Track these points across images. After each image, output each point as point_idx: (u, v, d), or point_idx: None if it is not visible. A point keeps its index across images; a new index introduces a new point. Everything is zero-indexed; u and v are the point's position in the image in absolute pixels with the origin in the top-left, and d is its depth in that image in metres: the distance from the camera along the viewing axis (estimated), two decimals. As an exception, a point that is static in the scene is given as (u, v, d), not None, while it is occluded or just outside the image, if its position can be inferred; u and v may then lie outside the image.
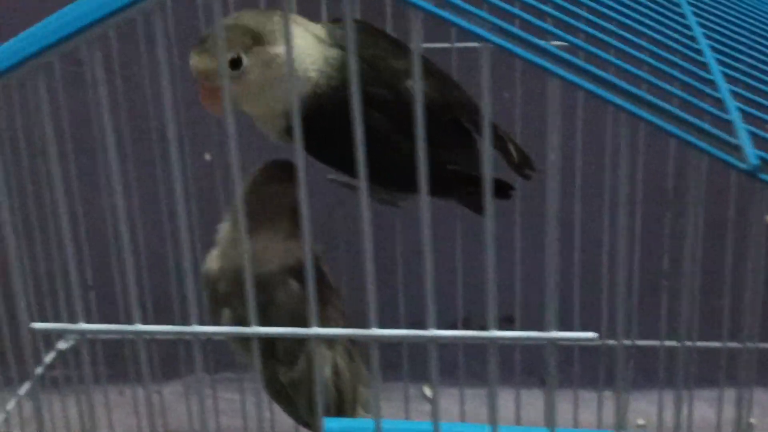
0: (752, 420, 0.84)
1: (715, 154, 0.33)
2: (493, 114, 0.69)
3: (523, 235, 0.78)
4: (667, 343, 0.77)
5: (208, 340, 0.82)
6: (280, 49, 0.61)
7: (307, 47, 0.62)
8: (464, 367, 0.83)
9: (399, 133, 0.64)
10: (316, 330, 0.38)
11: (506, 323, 0.86)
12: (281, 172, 0.67)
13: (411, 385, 0.86)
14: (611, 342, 0.77)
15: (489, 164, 0.36)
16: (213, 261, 0.69)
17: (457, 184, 0.68)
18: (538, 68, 0.35)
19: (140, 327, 0.38)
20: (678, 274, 0.74)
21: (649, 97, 0.35)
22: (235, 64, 0.61)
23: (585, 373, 0.79)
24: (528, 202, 0.74)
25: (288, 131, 0.65)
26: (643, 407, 0.87)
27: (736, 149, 0.34)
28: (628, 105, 0.33)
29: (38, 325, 0.37)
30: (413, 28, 0.36)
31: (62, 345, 0.78)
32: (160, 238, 0.77)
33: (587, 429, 0.79)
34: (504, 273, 0.77)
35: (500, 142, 0.69)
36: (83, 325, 0.37)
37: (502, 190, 0.70)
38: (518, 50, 0.33)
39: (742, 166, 0.33)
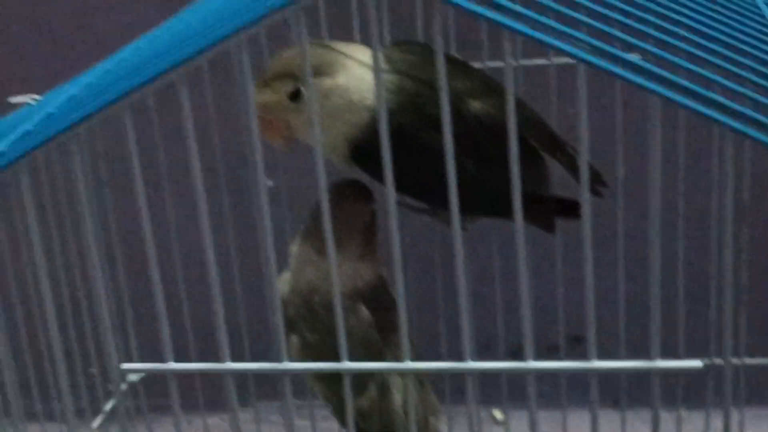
0: None
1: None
2: (559, 129, 0.69)
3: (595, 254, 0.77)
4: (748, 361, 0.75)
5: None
6: (338, 80, 0.61)
7: (364, 75, 0.62)
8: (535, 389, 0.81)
9: (463, 154, 0.63)
10: (408, 364, 0.37)
11: (576, 344, 0.85)
12: (352, 191, 0.67)
13: (479, 408, 0.85)
14: (718, 361, 0.74)
15: (586, 187, 0.35)
16: (283, 284, 0.68)
17: (525, 203, 0.67)
18: (635, 86, 0.33)
19: (230, 365, 0.37)
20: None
21: (747, 110, 0.33)
22: (294, 96, 0.61)
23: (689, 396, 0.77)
24: (599, 219, 0.72)
25: (352, 158, 0.64)
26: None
27: None
28: (735, 124, 0.32)
29: (128, 366, 0.37)
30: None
31: (133, 377, 0.78)
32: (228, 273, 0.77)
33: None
34: (574, 295, 0.77)
35: (569, 158, 0.68)
36: (173, 365, 0.36)
37: (573, 209, 0.68)
38: (616, 69, 0.31)
39: None
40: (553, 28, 0.33)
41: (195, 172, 0.36)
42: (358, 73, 0.62)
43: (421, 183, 0.59)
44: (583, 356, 0.77)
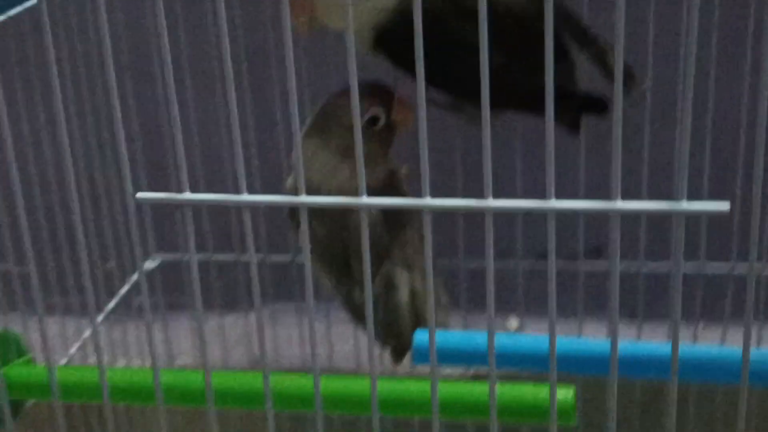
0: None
1: None
2: (592, 25, 0.67)
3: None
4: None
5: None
6: None
7: None
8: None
9: (491, 44, 0.62)
10: (427, 201, 0.36)
11: (594, 254, 0.84)
12: (363, 89, 0.66)
13: (498, 316, 0.85)
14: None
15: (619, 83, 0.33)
16: (291, 178, 0.68)
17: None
18: None
19: (246, 197, 0.36)
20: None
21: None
22: None
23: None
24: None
25: (377, 44, 0.63)
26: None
27: None
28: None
29: (144, 195, 0.36)
30: None
31: (149, 264, 0.78)
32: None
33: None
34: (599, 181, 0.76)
35: (600, 53, 0.66)
36: (188, 195, 0.36)
37: (598, 105, 0.66)
38: None
39: None
40: None
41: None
42: None
43: (449, 73, 0.58)
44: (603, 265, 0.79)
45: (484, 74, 0.35)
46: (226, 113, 0.43)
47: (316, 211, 0.66)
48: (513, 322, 0.88)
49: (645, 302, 0.79)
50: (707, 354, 0.56)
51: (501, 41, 0.62)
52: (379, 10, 0.61)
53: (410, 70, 0.67)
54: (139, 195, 0.37)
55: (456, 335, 0.63)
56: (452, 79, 0.59)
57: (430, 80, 0.63)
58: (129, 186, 0.37)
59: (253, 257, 0.39)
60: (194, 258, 0.40)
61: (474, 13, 0.61)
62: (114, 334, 0.78)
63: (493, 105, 0.64)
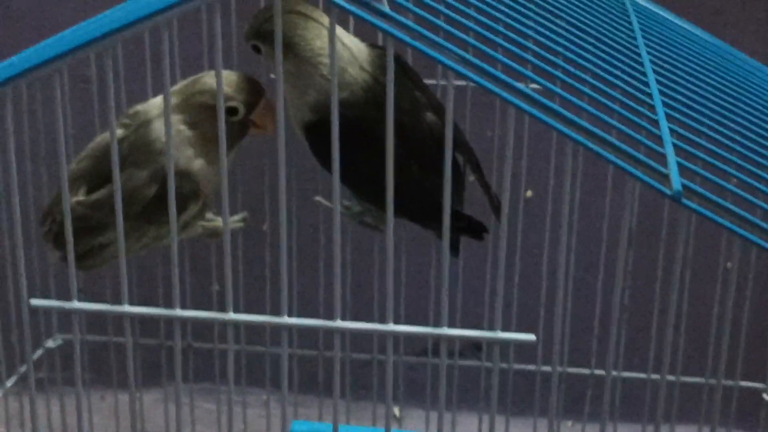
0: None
1: (645, 179, 0.37)
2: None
3: (493, 265, 0.83)
4: (654, 376, 0.81)
5: (189, 347, 0.86)
6: (303, 61, 0.65)
7: (347, 59, 0.66)
8: (431, 390, 0.87)
9: (411, 160, 0.68)
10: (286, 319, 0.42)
11: (475, 350, 0.91)
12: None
13: (380, 406, 0.91)
14: (598, 372, 0.81)
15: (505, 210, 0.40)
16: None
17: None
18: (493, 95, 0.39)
19: (127, 308, 0.42)
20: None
21: (593, 128, 0.39)
22: (256, 49, 0.67)
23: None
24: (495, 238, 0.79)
25: (308, 128, 0.68)
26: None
27: (666, 178, 0.39)
28: (574, 134, 0.38)
29: (37, 302, 0.41)
30: (388, 55, 0.41)
31: (51, 344, 0.82)
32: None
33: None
34: (478, 302, 0.83)
35: (485, 185, 0.73)
36: (76, 304, 0.41)
37: (477, 230, 0.73)
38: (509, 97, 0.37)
39: (667, 191, 0.38)
40: (453, 52, 0.39)
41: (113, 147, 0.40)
42: (343, 51, 0.66)
43: (364, 175, 0.63)
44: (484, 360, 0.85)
45: (389, 181, 0.42)
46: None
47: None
48: (397, 411, 0.93)
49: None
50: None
51: (422, 159, 0.68)
52: (314, 105, 0.66)
53: (327, 166, 0.72)
54: (33, 302, 0.42)
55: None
56: (368, 182, 0.64)
57: (349, 180, 0.69)
58: (24, 293, 0.42)
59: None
60: (78, 355, 0.44)
61: (401, 130, 0.67)
62: (11, 409, 0.81)
63: (403, 213, 0.70)
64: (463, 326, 0.45)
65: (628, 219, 0.39)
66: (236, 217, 0.78)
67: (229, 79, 0.68)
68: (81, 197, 0.70)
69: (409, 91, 0.69)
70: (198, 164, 0.69)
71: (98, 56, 0.44)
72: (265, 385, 0.86)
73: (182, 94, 0.69)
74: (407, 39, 0.40)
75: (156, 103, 0.71)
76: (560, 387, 0.83)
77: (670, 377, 0.80)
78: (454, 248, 0.75)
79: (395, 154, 0.44)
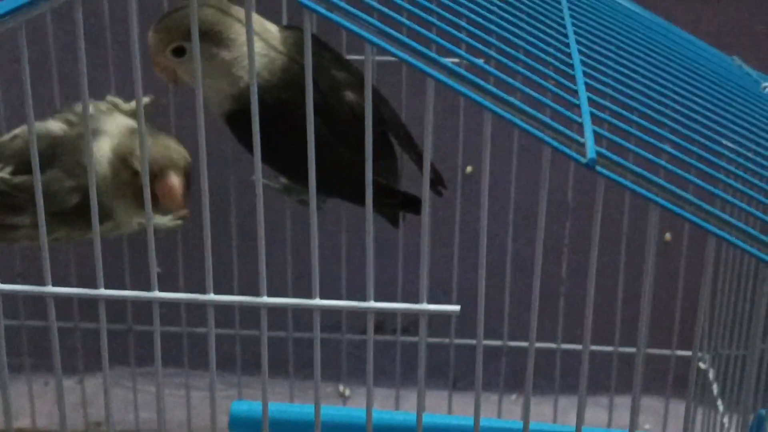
0: (647, 426, 0.90)
1: (558, 147, 0.38)
2: (411, 128, 0.75)
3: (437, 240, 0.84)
4: (564, 346, 0.82)
5: (129, 329, 0.86)
6: (222, 52, 0.65)
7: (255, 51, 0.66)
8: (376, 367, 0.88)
9: (334, 139, 0.68)
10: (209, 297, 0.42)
11: (416, 326, 0.91)
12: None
13: (325, 385, 0.91)
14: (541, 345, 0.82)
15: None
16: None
17: (378, 194, 0.72)
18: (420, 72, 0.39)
19: (51, 288, 0.41)
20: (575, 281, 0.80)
21: (505, 96, 0.40)
22: (179, 52, 0.66)
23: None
24: (438, 214, 0.80)
25: (230, 118, 0.68)
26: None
27: (581, 146, 0.39)
28: (485, 102, 0.38)
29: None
30: (305, 31, 0.41)
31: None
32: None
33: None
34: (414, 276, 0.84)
35: (419, 157, 0.74)
36: (51, 288, 0.41)
37: (414, 205, 0.73)
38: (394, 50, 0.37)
39: (581, 159, 0.38)
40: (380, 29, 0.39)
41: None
42: (244, 49, 0.65)
43: (289, 158, 0.64)
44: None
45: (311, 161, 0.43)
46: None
47: None
48: (343, 389, 0.94)
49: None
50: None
51: (344, 137, 0.68)
52: (231, 94, 0.66)
53: (250, 151, 0.72)
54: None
55: (276, 406, 0.68)
56: (292, 162, 0.65)
57: (272, 161, 0.69)
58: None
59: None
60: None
61: (320, 110, 0.67)
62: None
63: (330, 191, 0.70)
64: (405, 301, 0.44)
65: (544, 189, 0.39)
66: (170, 217, 0.76)
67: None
68: (5, 175, 0.69)
69: (326, 70, 0.69)
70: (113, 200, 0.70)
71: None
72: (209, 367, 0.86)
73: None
74: (324, 12, 0.40)
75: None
76: (504, 360, 0.84)
77: (608, 348, 0.82)
78: (394, 221, 0.75)
79: (319, 134, 0.44)
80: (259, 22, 0.68)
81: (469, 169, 0.88)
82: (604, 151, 0.39)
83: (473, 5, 0.48)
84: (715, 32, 0.84)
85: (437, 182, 0.74)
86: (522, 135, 0.77)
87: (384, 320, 0.90)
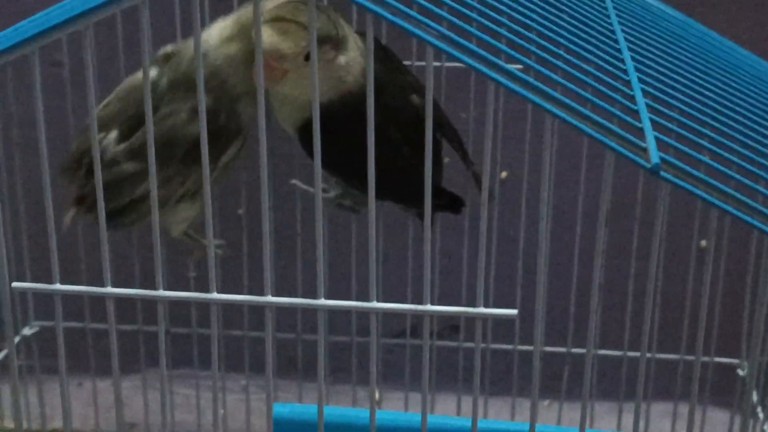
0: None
1: (624, 153, 0.38)
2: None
3: (470, 245, 0.84)
4: (630, 353, 0.82)
5: (166, 332, 0.86)
6: (339, 56, 0.64)
7: (356, 57, 0.65)
8: (410, 372, 0.88)
9: (403, 142, 0.69)
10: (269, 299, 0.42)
11: (452, 331, 0.91)
12: None
13: (360, 389, 0.91)
14: (576, 350, 0.82)
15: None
16: None
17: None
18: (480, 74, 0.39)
19: (110, 290, 0.42)
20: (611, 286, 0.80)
21: (572, 103, 0.40)
22: (308, 57, 0.62)
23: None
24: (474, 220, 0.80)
25: (303, 127, 0.67)
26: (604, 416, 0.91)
27: (644, 151, 0.39)
28: (551, 108, 0.38)
29: (19, 285, 0.41)
30: (368, 33, 0.41)
31: (27, 331, 0.82)
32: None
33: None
34: (453, 282, 0.84)
35: (465, 155, 0.74)
36: (59, 286, 0.41)
37: (455, 204, 0.74)
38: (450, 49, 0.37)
39: (646, 164, 0.38)
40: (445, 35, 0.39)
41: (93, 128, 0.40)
42: (353, 54, 0.65)
43: (358, 164, 0.63)
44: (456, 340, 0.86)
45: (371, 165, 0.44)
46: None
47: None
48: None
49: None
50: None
51: (412, 139, 0.68)
52: (305, 110, 0.66)
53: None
54: (15, 284, 0.42)
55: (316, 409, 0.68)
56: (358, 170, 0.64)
57: (338, 168, 0.69)
58: (5, 275, 0.42)
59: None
60: (61, 340, 0.44)
61: (391, 113, 0.67)
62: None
63: (387, 191, 0.70)
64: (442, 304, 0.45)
65: (606, 193, 0.39)
66: (216, 242, 0.74)
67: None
68: (112, 146, 0.65)
69: (394, 73, 0.70)
70: (243, 102, 0.66)
71: (70, 39, 0.44)
72: (245, 370, 0.86)
73: (239, 23, 0.66)
74: (387, 15, 0.40)
75: (213, 33, 0.67)
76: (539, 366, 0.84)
77: (647, 354, 0.81)
78: (432, 222, 0.75)
79: (390, 138, 0.45)
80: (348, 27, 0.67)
81: (503, 174, 0.88)
82: (668, 156, 0.39)
83: (529, 12, 0.48)
84: (750, 40, 0.84)
85: (459, 202, 0.74)
86: (559, 140, 0.78)
87: (417, 324, 0.90)
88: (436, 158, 0.73)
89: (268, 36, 0.61)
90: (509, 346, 0.84)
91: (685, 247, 0.81)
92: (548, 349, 0.84)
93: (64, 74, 0.77)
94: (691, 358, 0.81)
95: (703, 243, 0.89)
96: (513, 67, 0.41)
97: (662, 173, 0.38)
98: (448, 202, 0.73)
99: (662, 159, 0.38)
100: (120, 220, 0.67)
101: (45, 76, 0.80)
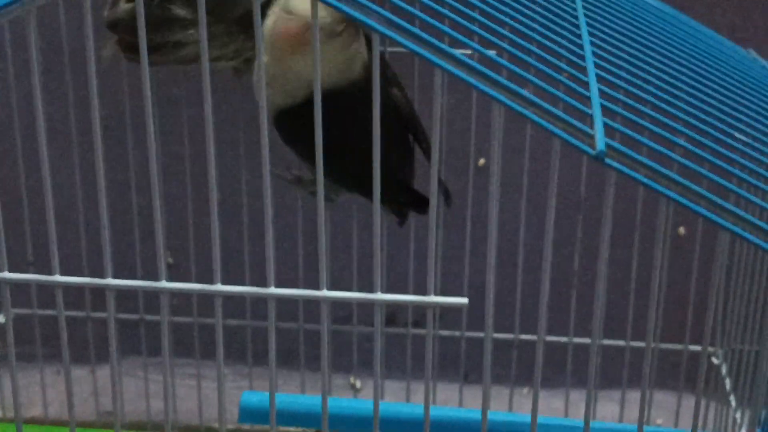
0: (659, 421, 0.89)
1: (568, 139, 0.37)
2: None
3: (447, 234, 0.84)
4: (576, 339, 0.82)
5: (140, 320, 0.86)
6: (356, 44, 0.64)
7: (363, 48, 0.65)
8: (385, 360, 0.88)
9: (384, 137, 0.67)
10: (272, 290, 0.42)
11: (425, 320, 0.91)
12: None
13: (339, 376, 0.91)
14: (550, 339, 0.82)
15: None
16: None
17: (391, 190, 0.72)
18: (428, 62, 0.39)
19: (58, 277, 0.41)
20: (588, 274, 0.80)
21: (516, 88, 0.39)
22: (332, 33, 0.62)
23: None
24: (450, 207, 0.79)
25: (284, 112, 0.67)
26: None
27: (590, 138, 0.39)
28: (495, 94, 0.38)
29: (4, 275, 0.41)
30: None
31: (0, 318, 0.81)
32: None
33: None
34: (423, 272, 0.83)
35: (428, 147, 0.73)
36: (7, 274, 0.41)
37: (421, 205, 0.73)
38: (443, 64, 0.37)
39: (590, 151, 0.38)
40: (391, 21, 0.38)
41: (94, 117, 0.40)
42: (361, 46, 0.65)
43: (341, 157, 0.61)
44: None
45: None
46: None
47: None
48: (355, 381, 0.94)
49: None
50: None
51: (387, 134, 0.68)
52: (291, 96, 0.65)
53: (294, 145, 0.70)
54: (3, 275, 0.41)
55: (285, 397, 0.68)
56: (340, 163, 0.62)
57: (310, 159, 0.68)
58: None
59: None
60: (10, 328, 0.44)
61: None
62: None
63: (352, 182, 0.69)
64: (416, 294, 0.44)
65: (553, 182, 0.39)
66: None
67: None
68: None
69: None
70: None
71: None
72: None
73: None
74: (333, 2, 0.40)
75: None
76: (515, 354, 0.84)
77: (620, 342, 0.81)
78: (402, 219, 0.75)
79: (367, 132, 0.44)
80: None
81: (481, 161, 0.87)
82: (613, 143, 0.38)
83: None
84: (729, 25, 0.84)
85: (445, 195, 0.74)
86: (534, 127, 0.78)
87: (396, 313, 0.90)
88: (408, 156, 0.73)
89: (302, 2, 0.61)
90: (480, 334, 0.84)
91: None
92: (523, 337, 0.84)
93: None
94: (664, 346, 0.81)
95: (681, 230, 0.89)
96: (461, 52, 0.40)
97: (606, 160, 0.38)
98: (413, 201, 0.73)
99: (608, 145, 0.38)
100: (151, 57, 0.66)
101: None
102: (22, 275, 0.42)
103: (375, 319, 0.42)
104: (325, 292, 0.43)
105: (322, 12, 0.59)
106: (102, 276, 0.45)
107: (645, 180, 0.37)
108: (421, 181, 0.75)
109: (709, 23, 0.79)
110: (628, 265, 0.79)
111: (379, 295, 0.42)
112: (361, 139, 0.46)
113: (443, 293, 0.43)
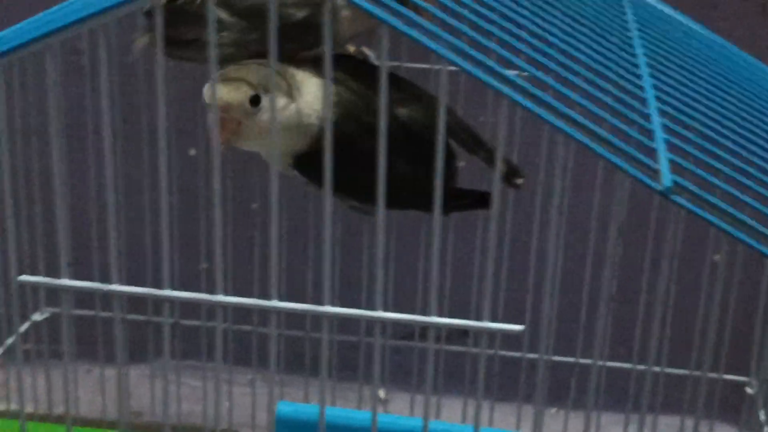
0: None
1: (635, 174, 0.37)
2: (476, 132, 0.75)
3: (482, 252, 0.84)
4: (638, 366, 0.82)
5: (176, 324, 0.86)
6: (293, 104, 0.65)
7: (316, 98, 0.66)
8: (417, 373, 0.88)
9: (394, 154, 0.68)
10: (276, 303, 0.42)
11: (461, 336, 0.91)
12: None
13: (366, 389, 0.91)
14: (584, 361, 0.82)
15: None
16: None
17: (448, 198, 0.72)
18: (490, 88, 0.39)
19: (116, 287, 0.42)
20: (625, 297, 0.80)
21: (585, 121, 0.39)
22: (255, 101, 0.63)
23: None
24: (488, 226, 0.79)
25: (294, 166, 0.69)
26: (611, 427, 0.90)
27: (655, 173, 0.39)
28: (565, 127, 0.38)
29: (25, 278, 0.41)
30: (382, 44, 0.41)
31: (37, 317, 0.82)
32: (140, 221, 0.82)
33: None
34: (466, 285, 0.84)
35: (488, 154, 0.74)
36: (67, 281, 0.41)
37: (484, 200, 0.73)
38: (470, 68, 0.37)
39: (657, 187, 0.38)
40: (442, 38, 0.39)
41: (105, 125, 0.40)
42: (309, 99, 0.66)
43: (357, 183, 0.62)
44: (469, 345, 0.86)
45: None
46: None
47: None
48: (382, 393, 0.94)
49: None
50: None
51: (402, 151, 0.69)
52: (301, 140, 0.67)
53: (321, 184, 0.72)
54: (21, 278, 0.42)
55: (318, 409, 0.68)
56: (361, 186, 0.62)
57: (343, 189, 0.70)
58: (13, 269, 0.42)
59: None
60: (66, 334, 0.45)
61: (375, 130, 0.67)
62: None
63: (398, 205, 0.70)
64: (451, 313, 0.45)
65: (617, 213, 0.39)
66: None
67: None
68: None
69: (372, 91, 0.69)
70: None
71: (91, 31, 0.44)
72: (252, 364, 0.87)
73: None
74: (399, 26, 0.40)
75: None
76: (545, 374, 0.84)
77: (656, 368, 0.81)
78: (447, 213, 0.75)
79: (372, 155, 0.45)
80: (308, 66, 0.67)
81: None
82: (680, 179, 0.38)
83: (541, 21, 0.47)
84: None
85: (513, 175, 0.74)
86: (577, 149, 0.78)
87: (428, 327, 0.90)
88: (446, 164, 0.73)
89: (218, 93, 0.62)
90: (517, 354, 0.84)
91: (699, 259, 0.80)
92: (556, 358, 0.84)
93: (82, 61, 0.77)
94: (699, 373, 0.81)
95: (716, 257, 0.88)
96: (523, 77, 0.40)
97: (673, 197, 0.38)
98: (474, 200, 0.73)
99: (674, 182, 0.38)
100: (176, 51, 0.66)
101: (64, 64, 0.81)
102: (85, 283, 0.43)
103: (428, 339, 0.42)
104: (328, 308, 0.43)
105: (230, 93, 0.62)
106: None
107: (713, 219, 0.37)
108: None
109: (751, 48, 0.78)
110: (667, 290, 0.79)
111: (434, 319, 0.42)
112: (371, 168, 0.47)
113: (477, 315, 0.43)
